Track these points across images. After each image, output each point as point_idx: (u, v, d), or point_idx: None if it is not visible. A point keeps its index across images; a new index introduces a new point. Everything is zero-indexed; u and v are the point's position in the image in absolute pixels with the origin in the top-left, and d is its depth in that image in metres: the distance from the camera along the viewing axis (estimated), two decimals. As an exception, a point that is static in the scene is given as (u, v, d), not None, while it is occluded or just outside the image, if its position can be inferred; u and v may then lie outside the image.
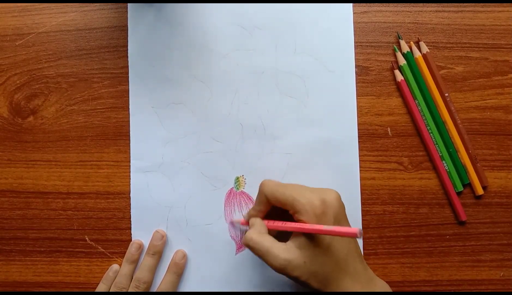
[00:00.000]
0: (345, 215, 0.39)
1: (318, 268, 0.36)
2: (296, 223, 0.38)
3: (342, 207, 0.39)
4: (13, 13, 0.47)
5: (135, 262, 0.45)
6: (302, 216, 0.37)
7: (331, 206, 0.37)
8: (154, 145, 0.46)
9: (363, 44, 0.46)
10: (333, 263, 0.37)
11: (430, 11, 0.46)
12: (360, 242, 0.45)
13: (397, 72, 0.45)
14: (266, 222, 0.40)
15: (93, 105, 0.46)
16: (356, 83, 0.46)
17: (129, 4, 0.46)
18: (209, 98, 0.46)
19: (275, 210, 0.41)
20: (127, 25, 0.46)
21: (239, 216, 0.45)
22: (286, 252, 0.36)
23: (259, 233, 0.38)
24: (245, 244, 0.38)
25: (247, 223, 0.42)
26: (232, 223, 0.45)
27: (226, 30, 0.46)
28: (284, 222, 0.39)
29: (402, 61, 0.45)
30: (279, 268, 0.36)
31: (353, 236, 0.34)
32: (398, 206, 0.45)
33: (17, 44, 0.47)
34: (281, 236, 0.39)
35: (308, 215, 0.37)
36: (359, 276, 0.38)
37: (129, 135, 0.46)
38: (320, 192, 0.38)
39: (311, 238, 0.37)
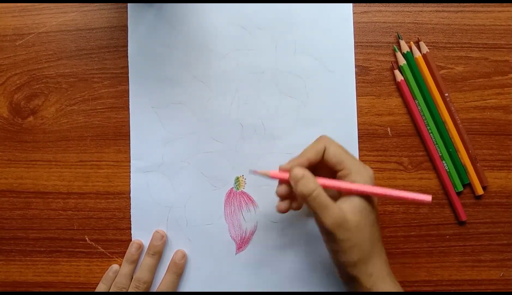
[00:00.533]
0: None
1: (364, 238, 0.35)
2: (364, 185, 0.36)
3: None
4: (13, 13, 0.47)
5: (135, 262, 0.45)
6: (358, 176, 0.36)
7: (371, 182, 0.37)
8: (154, 145, 0.46)
9: (363, 44, 0.46)
10: (375, 238, 0.36)
11: (430, 11, 0.46)
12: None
13: (397, 72, 0.45)
14: (319, 178, 0.37)
15: (93, 105, 0.46)
16: (356, 83, 0.46)
17: (129, 4, 0.46)
18: (209, 98, 0.46)
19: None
20: (127, 25, 0.46)
21: (239, 216, 0.45)
22: (342, 211, 0.35)
23: (319, 186, 0.36)
24: (307, 194, 0.35)
25: (286, 172, 0.38)
26: (255, 173, 0.39)
27: (226, 30, 0.46)
28: (341, 181, 0.37)
29: (402, 61, 0.45)
30: (332, 226, 0.35)
31: (427, 203, 0.33)
32: (398, 206, 0.45)
33: (17, 44, 0.47)
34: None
35: (363, 177, 0.36)
36: (387, 263, 0.37)
37: (129, 135, 0.46)
38: (365, 166, 0.38)
39: (368, 203, 0.36)
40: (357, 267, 0.36)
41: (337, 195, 0.38)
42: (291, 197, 0.40)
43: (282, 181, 0.39)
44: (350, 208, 0.36)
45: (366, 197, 0.36)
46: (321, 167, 0.39)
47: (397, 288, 0.37)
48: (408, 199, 0.34)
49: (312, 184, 0.35)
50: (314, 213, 0.36)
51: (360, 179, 0.36)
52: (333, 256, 0.37)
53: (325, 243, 0.38)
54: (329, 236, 0.36)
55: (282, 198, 0.39)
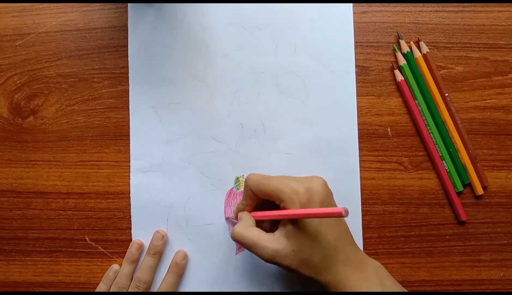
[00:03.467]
0: (333, 201, 0.39)
1: (307, 256, 0.36)
2: (280, 211, 0.38)
3: (329, 193, 0.38)
4: (13, 13, 0.47)
5: (135, 262, 0.45)
6: (288, 205, 0.37)
7: (316, 193, 0.37)
8: (154, 145, 0.46)
9: (363, 44, 0.46)
10: (322, 249, 0.36)
11: (430, 11, 0.46)
12: (360, 241, 0.45)
13: (397, 72, 0.45)
14: (253, 213, 0.41)
15: (93, 105, 0.46)
16: (356, 83, 0.46)
17: (129, 4, 0.46)
18: (209, 98, 0.46)
19: (266, 203, 0.41)
20: (127, 25, 0.46)
21: (239, 216, 0.46)
22: (274, 242, 0.37)
23: (245, 226, 0.39)
24: (233, 238, 0.39)
25: (237, 217, 0.42)
26: (227, 220, 0.45)
27: (226, 30, 0.46)
28: (270, 211, 0.39)
29: (402, 61, 0.45)
30: (268, 259, 0.37)
31: (338, 216, 0.32)
32: (398, 206, 0.45)
33: (17, 44, 0.47)
34: (274, 229, 0.39)
35: (293, 203, 0.36)
36: (350, 260, 0.37)
37: (129, 135, 0.46)
38: (305, 180, 0.38)
39: (298, 225, 0.36)
40: (319, 275, 0.37)
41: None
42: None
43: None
44: (284, 234, 0.37)
45: (298, 220, 0.37)
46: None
47: (365, 284, 0.37)
48: (320, 214, 0.34)
49: (236, 228, 0.39)
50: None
51: (291, 204, 0.37)
52: None
53: None
54: (272, 264, 0.37)
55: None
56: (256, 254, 0.37)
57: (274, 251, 0.36)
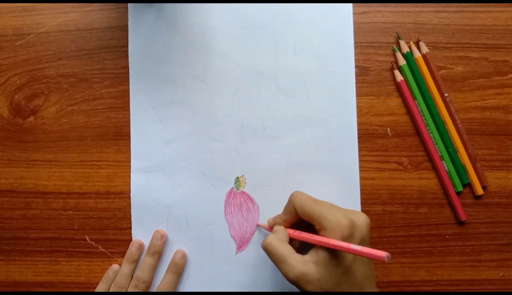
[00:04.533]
0: (369, 241, 0.39)
1: (331, 287, 0.36)
2: (323, 237, 0.37)
3: (369, 233, 0.38)
4: (13, 13, 0.47)
5: (135, 262, 0.45)
6: (328, 234, 0.36)
7: (359, 229, 0.37)
8: (154, 145, 0.46)
9: (363, 44, 0.46)
10: (348, 285, 0.36)
11: (430, 11, 0.46)
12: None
13: (396, 72, 0.45)
14: (289, 230, 0.40)
15: (94, 105, 0.47)
16: (356, 83, 0.46)
17: (129, 4, 0.47)
18: (209, 98, 0.46)
19: (300, 223, 0.40)
20: (127, 25, 0.47)
21: (239, 216, 0.46)
22: (303, 264, 0.36)
23: (279, 240, 0.38)
24: (264, 248, 0.38)
25: (270, 228, 0.42)
26: (258, 225, 0.45)
27: (226, 30, 0.46)
28: (309, 234, 0.38)
29: (401, 61, 0.45)
30: (293, 279, 0.36)
31: (380, 260, 0.32)
32: (398, 206, 0.45)
33: (17, 44, 0.47)
34: (303, 250, 0.38)
35: (335, 234, 0.36)
36: None
37: (129, 135, 0.46)
38: (350, 214, 0.38)
39: (333, 256, 0.36)
40: None
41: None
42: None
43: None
44: (315, 260, 0.36)
45: (334, 251, 0.36)
46: None
47: None
48: (365, 254, 0.34)
49: (269, 238, 0.38)
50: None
51: (331, 234, 0.36)
52: None
53: None
54: (294, 285, 0.37)
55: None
56: (282, 270, 0.37)
57: (301, 273, 0.36)
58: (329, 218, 0.36)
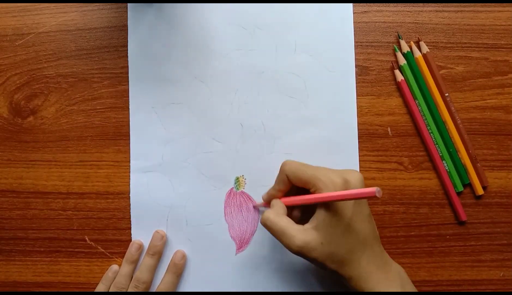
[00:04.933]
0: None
1: (335, 249, 0.36)
2: (312, 194, 0.37)
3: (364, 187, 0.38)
4: (13, 13, 0.47)
5: (135, 262, 0.45)
6: (325, 190, 0.36)
7: (353, 186, 0.37)
8: (154, 145, 0.46)
9: (363, 44, 0.46)
10: (350, 243, 0.37)
11: (430, 11, 0.46)
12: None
13: (397, 72, 0.45)
14: (284, 199, 0.40)
15: (93, 105, 0.46)
16: (356, 83, 0.46)
17: (129, 4, 0.46)
18: (209, 98, 0.46)
19: (294, 193, 0.41)
20: (127, 25, 0.46)
21: (239, 216, 0.45)
22: (303, 233, 0.36)
23: (277, 214, 0.38)
24: (263, 224, 0.38)
25: (267, 204, 0.42)
26: (255, 207, 0.45)
27: (226, 30, 0.46)
28: (301, 196, 0.38)
29: (402, 61, 0.45)
30: (295, 250, 0.36)
31: (372, 195, 0.32)
32: (398, 206, 0.45)
33: (17, 44, 0.47)
34: (304, 221, 0.38)
35: (328, 189, 0.36)
36: (375, 258, 0.38)
37: (129, 135, 0.46)
38: (343, 172, 0.38)
39: (331, 217, 0.36)
40: (343, 268, 0.37)
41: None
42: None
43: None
44: (315, 225, 0.37)
45: (334, 208, 0.36)
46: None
47: (385, 284, 0.37)
48: (352, 195, 0.34)
49: (266, 214, 0.38)
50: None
51: (327, 191, 0.36)
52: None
53: None
54: (298, 255, 0.37)
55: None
56: (283, 243, 0.37)
57: (303, 242, 0.36)
58: (322, 178, 0.37)
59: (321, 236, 0.36)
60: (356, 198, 0.34)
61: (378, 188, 0.32)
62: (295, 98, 0.46)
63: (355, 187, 0.37)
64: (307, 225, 0.37)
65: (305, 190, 0.39)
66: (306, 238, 0.36)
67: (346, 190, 0.36)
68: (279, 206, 0.40)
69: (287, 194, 0.41)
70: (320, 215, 0.37)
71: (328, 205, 0.37)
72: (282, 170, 0.40)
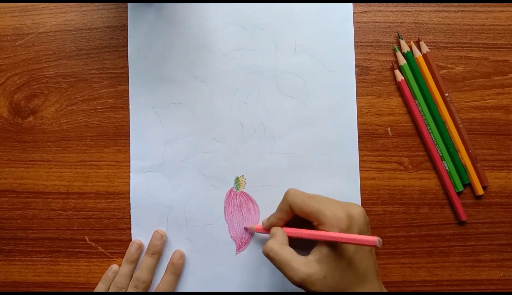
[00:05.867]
0: (370, 231, 0.39)
1: (337, 283, 0.36)
2: (318, 231, 0.37)
3: (367, 223, 0.38)
4: (13, 13, 0.47)
5: (135, 262, 0.45)
6: (326, 228, 0.36)
7: (356, 220, 0.37)
8: (154, 145, 0.46)
9: (363, 44, 0.46)
10: (352, 277, 0.36)
11: (430, 11, 0.46)
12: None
13: (397, 72, 0.45)
14: (286, 229, 0.40)
15: (93, 105, 0.46)
16: (356, 83, 0.46)
17: (129, 4, 0.46)
18: (209, 98, 0.46)
19: (294, 219, 0.40)
20: (127, 25, 0.46)
21: (239, 216, 0.45)
22: (306, 266, 0.36)
23: (280, 244, 0.38)
24: (265, 254, 0.38)
25: (266, 230, 0.42)
26: (246, 229, 0.45)
27: (226, 30, 0.46)
28: (305, 230, 0.38)
29: (402, 61, 0.45)
30: (298, 282, 0.36)
31: (373, 244, 0.33)
32: (398, 206, 0.45)
33: (17, 44, 0.47)
34: (301, 247, 0.38)
35: (333, 228, 0.36)
36: (375, 292, 0.37)
37: (129, 135, 0.46)
38: (346, 206, 0.38)
39: (334, 251, 0.36)
40: None
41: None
42: None
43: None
44: (317, 258, 0.36)
45: (335, 244, 0.36)
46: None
47: None
48: (356, 241, 0.35)
49: (270, 244, 0.38)
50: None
51: (330, 228, 0.36)
52: None
53: None
54: (299, 287, 0.37)
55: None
56: (286, 274, 0.37)
57: (306, 275, 0.36)
58: (327, 213, 0.37)
59: (324, 269, 0.36)
60: (359, 243, 0.35)
61: (379, 238, 0.33)
62: (295, 98, 0.46)
63: (358, 221, 0.37)
64: (309, 257, 0.37)
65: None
66: (309, 271, 0.36)
67: (350, 225, 0.36)
68: (281, 235, 0.39)
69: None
70: (323, 248, 0.37)
71: (331, 243, 0.37)
72: (285, 200, 0.40)
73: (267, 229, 0.42)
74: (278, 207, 0.41)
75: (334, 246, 0.36)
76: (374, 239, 0.33)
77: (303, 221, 0.40)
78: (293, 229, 0.40)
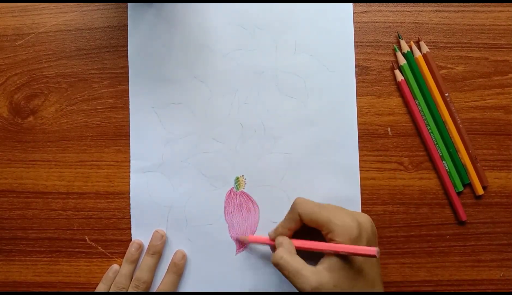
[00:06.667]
0: (377, 240, 0.39)
1: (347, 291, 0.36)
2: (327, 243, 0.37)
3: (374, 232, 0.39)
4: (13, 13, 0.47)
5: (135, 262, 0.45)
6: (337, 238, 0.37)
7: (365, 230, 0.38)
8: (154, 145, 0.46)
9: (363, 44, 0.46)
10: (362, 286, 0.37)
11: (430, 11, 0.46)
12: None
13: (397, 72, 0.45)
14: (294, 241, 0.40)
15: (93, 105, 0.46)
16: (356, 83, 0.46)
17: (129, 4, 0.46)
18: (209, 98, 0.46)
19: (301, 229, 0.40)
20: (127, 25, 0.46)
21: (239, 216, 0.45)
22: (317, 274, 0.36)
23: (290, 253, 0.38)
24: (275, 263, 0.38)
25: (269, 241, 0.42)
26: (237, 240, 0.45)
27: (226, 30, 0.46)
28: (312, 242, 0.38)
29: (402, 61, 0.45)
30: (309, 290, 0.36)
31: (372, 255, 0.34)
32: (398, 206, 0.45)
33: (17, 44, 0.47)
34: (307, 256, 0.38)
35: (343, 237, 0.36)
36: None
37: (129, 135, 0.46)
38: (355, 215, 0.38)
39: (343, 260, 0.36)
40: None
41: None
42: None
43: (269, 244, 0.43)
44: (328, 267, 0.36)
45: (344, 255, 0.37)
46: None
47: None
48: (356, 252, 0.35)
49: (279, 253, 0.38)
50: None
51: (340, 237, 0.37)
52: None
53: None
54: None
55: None
56: (296, 283, 0.36)
57: (318, 283, 0.35)
58: (337, 222, 0.37)
59: (335, 278, 0.36)
60: (358, 254, 0.35)
61: (378, 249, 0.35)
62: (295, 98, 0.46)
63: (367, 230, 0.38)
64: (319, 266, 0.37)
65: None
66: (321, 280, 0.36)
67: (359, 233, 0.37)
68: (289, 245, 0.39)
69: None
70: (332, 257, 0.37)
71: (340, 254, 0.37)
72: (294, 209, 0.40)
73: (272, 240, 0.41)
74: (286, 217, 0.41)
75: (343, 255, 0.36)
76: (373, 250, 0.34)
77: (303, 231, 0.40)
78: (299, 240, 0.40)
